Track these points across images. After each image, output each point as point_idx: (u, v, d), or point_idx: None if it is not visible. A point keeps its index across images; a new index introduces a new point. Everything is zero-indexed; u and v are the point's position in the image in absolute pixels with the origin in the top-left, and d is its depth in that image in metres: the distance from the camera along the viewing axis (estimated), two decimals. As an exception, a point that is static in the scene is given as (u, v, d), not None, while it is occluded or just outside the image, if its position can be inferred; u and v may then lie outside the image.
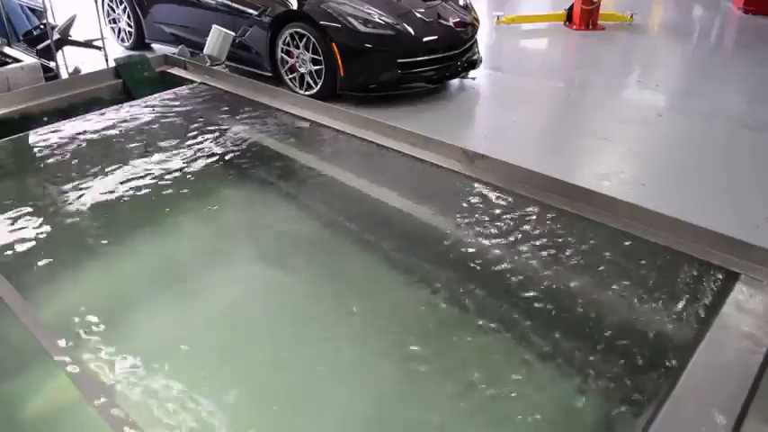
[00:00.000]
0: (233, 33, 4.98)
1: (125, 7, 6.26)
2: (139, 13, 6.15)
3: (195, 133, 2.40)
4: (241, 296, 1.67)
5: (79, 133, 2.38)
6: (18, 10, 5.05)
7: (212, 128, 2.45)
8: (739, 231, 1.50)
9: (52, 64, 4.41)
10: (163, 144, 2.31)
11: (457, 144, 2.00)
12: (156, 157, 2.22)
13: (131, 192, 2.01)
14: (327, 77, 4.88)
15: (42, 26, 4.78)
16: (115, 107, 2.59)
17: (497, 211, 1.82)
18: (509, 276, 1.64)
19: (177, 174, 2.11)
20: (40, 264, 1.71)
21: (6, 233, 1.78)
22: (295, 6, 4.96)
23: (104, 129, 2.42)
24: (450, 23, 5.08)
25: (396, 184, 2.10)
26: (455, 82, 5.58)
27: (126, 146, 2.30)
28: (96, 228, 1.87)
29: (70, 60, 5.00)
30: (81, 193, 2.00)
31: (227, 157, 2.23)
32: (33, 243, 1.75)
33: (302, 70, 5.03)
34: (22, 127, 2.38)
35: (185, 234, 1.97)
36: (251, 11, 5.22)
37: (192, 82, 2.78)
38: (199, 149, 2.27)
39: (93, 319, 1.47)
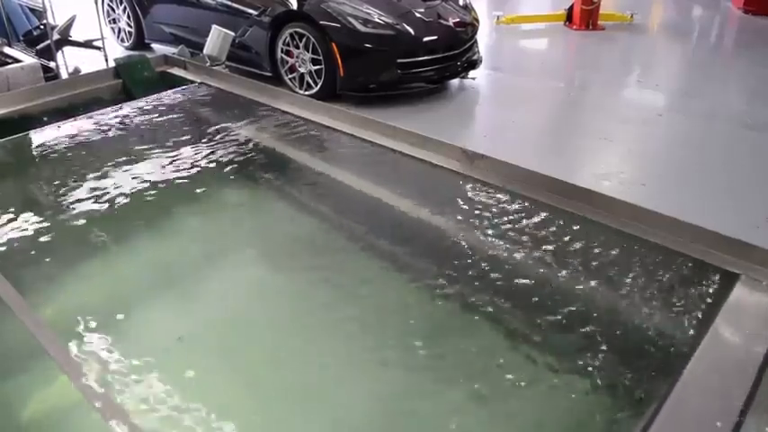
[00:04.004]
0: (233, 33, 4.98)
1: (125, 7, 6.27)
2: (139, 13, 6.15)
3: (195, 133, 2.40)
4: (241, 296, 1.67)
5: (79, 133, 2.37)
6: (18, 10, 5.06)
7: (212, 128, 2.44)
8: (739, 231, 1.50)
9: (52, 64, 4.41)
10: (162, 144, 2.31)
11: (457, 144, 2.00)
12: (156, 157, 2.22)
13: (131, 192, 2.01)
14: (327, 77, 4.88)
15: (42, 26, 4.78)
16: (115, 107, 2.58)
17: (497, 211, 1.81)
18: (509, 276, 1.64)
19: (177, 174, 2.11)
20: (40, 264, 1.71)
21: (6, 233, 1.78)
22: (295, 6, 4.96)
23: (104, 129, 2.42)
24: (450, 23, 5.08)
25: (395, 184, 2.10)
26: (455, 82, 5.58)
27: (125, 146, 2.30)
28: (96, 227, 1.87)
29: (70, 60, 5.00)
30: (81, 192, 2.00)
31: (226, 158, 2.23)
32: (33, 243, 1.75)
33: (302, 70, 5.03)
34: (22, 127, 2.38)
35: (185, 234, 1.97)
36: (251, 11, 5.22)
37: (191, 82, 2.77)
38: (198, 149, 2.27)
39: (94, 319, 1.47)
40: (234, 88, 2.66)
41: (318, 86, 4.97)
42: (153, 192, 2.02)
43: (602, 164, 4.23)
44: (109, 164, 2.16)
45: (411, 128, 2.12)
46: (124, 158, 2.20)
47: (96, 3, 5.83)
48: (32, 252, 1.72)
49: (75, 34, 5.08)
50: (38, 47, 4.62)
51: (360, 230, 1.96)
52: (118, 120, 2.49)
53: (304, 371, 1.39)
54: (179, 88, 2.74)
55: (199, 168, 2.15)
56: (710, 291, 1.46)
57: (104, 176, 2.09)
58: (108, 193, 2.00)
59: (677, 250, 1.54)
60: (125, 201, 1.97)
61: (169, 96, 2.68)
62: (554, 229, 1.73)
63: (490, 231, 1.76)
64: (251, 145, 2.33)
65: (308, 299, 1.64)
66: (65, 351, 1.31)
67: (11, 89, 3.02)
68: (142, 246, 1.87)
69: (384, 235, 1.90)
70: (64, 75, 4.52)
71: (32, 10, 5.03)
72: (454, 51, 5.12)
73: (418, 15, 4.99)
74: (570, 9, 7.83)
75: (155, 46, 6.33)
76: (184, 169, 2.14)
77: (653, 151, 4.48)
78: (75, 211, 1.91)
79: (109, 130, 2.42)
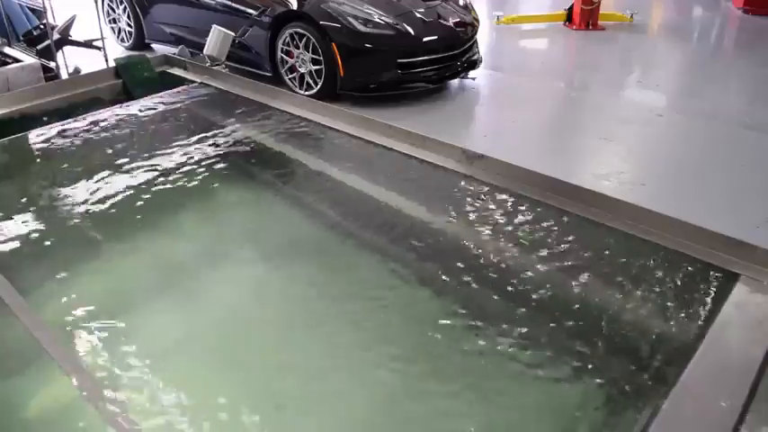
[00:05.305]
0: (233, 33, 4.98)
1: (125, 7, 6.26)
2: (139, 13, 6.15)
3: (195, 133, 2.40)
4: (241, 296, 1.67)
5: (79, 133, 2.38)
6: (18, 10, 5.05)
7: (212, 128, 2.45)
8: (739, 231, 1.50)
9: (52, 64, 4.41)
10: (163, 144, 2.31)
11: (457, 144, 2.00)
12: (156, 157, 2.22)
13: (131, 192, 2.01)
14: (327, 77, 4.88)
15: (42, 26, 4.78)
16: (115, 107, 2.59)
17: (497, 212, 1.82)
18: (509, 276, 1.64)
19: (177, 174, 2.11)
20: (40, 264, 1.71)
21: (6, 233, 1.78)
22: (295, 6, 4.96)
23: (104, 129, 2.42)
24: (450, 23, 5.08)
25: (395, 184, 2.10)
26: (455, 82, 5.58)
27: (126, 146, 2.30)
28: (96, 228, 1.87)
29: (70, 60, 5.00)
30: (81, 192, 2.00)
31: (226, 158, 2.23)
32: (33, 243, 1.75)
33: (302, 70, 5.03)
34: (22, 127, 2.38)
35: (185, 234, 1.97)
36: (251, 11, 5.22)
37: (192, 82, 2.77)
38: (198, 149, 2.27)
39: (94, 319, 1.47)
40: (234, 88, 2.66)
41: (318, 86, 4.96)
42: (153, 191, 2.02)
43: (603, 164, 4.23)
44: (109, 164, 2.16)
45: (411, 128, 2.12)
46: (124, 159, 2.20)
47: (96, 3, 5.83)
48: (32, 252, 1.73)
49: (75, 34, 5.08)
50: (38, 47, 4.62)
51: (359, 230, 1.96)
52: (118, 120, 2.49)
53: (304, 370, 1.39)
54: (179, 88, 2.74)
55: (199, 168, 2.15)
56: (710, 291, 1.46)
57: (104, 176, 2.09)
58: (108, 192, 2.00)
59: (677, 250, 1.54)
60: (125, 201, 1.97)
61: (169, 96, 2.68)
62: (554, 229, 1.73)
63: (490, 231, 1.76)
64: (251, 145, 2.33)
65: (308, 299, 1.64)
66: (65, 351, 1.31)
67: (11, 89, 3.03)
68: (142, 245, 1.87)
69: (384, 235, 1.90)
70: (64, 75, 4.52)
71: (32, 10, 5.03)
72: (454, 51, 5.12)
73: (418, 15, 4.98)
74: (570, 9, 7.82)
75: (155, 46, 6.33)
76: (184, 169, 2.14)
77: (653, 151, 4.48)
78: (75, 211, 1.91)
79: (109, 130, 2.42)
